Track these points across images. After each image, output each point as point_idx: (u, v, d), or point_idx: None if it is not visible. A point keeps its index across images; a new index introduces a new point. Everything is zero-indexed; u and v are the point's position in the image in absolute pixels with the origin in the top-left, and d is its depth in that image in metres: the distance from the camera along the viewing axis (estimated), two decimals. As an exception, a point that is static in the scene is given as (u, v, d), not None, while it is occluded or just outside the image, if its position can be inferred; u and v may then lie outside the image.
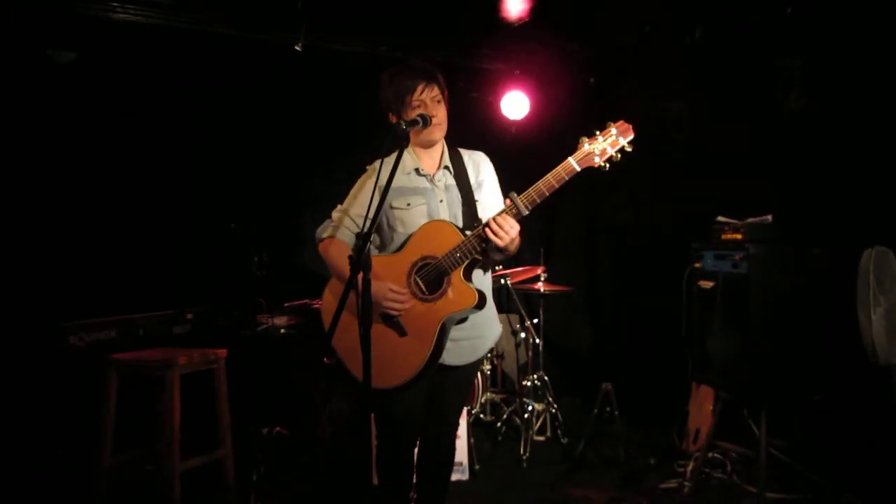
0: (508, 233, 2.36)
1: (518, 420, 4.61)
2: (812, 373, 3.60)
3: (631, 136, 2.39)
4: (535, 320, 4.91)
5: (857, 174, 3.81)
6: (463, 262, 2.43)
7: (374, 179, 2.39)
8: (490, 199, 2.68)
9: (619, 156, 2.39)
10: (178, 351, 3.58)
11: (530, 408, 4.59)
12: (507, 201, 2.40)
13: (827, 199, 3.92)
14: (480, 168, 2.70)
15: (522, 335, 4.81)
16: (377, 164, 2.55)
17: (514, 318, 4.89)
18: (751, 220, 3.76)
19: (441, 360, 2.52)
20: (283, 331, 4.14)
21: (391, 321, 2.47)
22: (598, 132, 2.40)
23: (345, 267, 2.22)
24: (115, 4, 4.29)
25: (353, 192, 2.67)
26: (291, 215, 4.92)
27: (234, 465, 3.73)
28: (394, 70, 2.58)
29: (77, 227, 4.33)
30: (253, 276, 4.04)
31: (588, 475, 4.12)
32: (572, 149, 2.43)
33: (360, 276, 2.13)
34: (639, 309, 5.25)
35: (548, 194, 2.39)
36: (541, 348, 4.83)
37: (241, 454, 3.80)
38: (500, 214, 2.38)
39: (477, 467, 4.11)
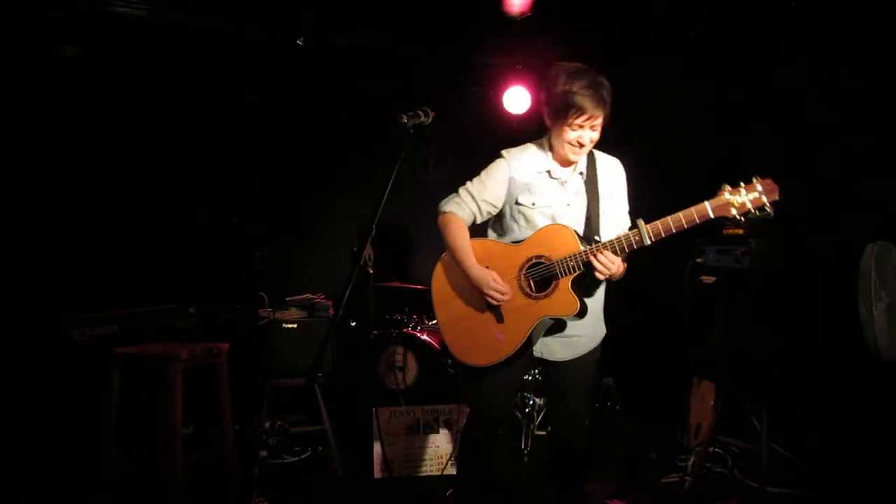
0: (609, 269, 2.44)
1: (519, 414, 4.61)
2: (814, 368, 3.60)
3: (775, 198, 2.28)
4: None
5: (859, 168, 3.80)
6: (575, 271, 2.50)
7: (504, 171, 2.63)
8: (617, 209, 2.71)
9: (758, 214, 2.30)
10: (180, 345, 3.58)
11: (531, 402, 4.59)
12: (634, 229, 2.43)
13: (829, 193, 3.91)
14: (613, 176, 2.71)
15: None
16: (507, 154, 2.70)
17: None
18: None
19: (553, 357, 2.68)
20: (284, 324, 4.15)
21: (493, 306, 2.59)
22: (742, 183, 2.31)
23: (461, 241, 2.57)
24: (117, -1, 4.30)
25: (483, 176, 2.71)
26: (293, 209, 4.92)
27: (236, 460, 3.73)
28: (575, 80, 2.51)
29: (79, 221, 4.33)
30: (255, 271, 4.04)
31: (589, 470, 4.12)
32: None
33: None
34: (640, 303, 5.23)
35: (674, 231, 2.38)
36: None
37: (243, 448, 3.80)
38: (610, 246, 2.43)
39: (478, 461, 4.11)
